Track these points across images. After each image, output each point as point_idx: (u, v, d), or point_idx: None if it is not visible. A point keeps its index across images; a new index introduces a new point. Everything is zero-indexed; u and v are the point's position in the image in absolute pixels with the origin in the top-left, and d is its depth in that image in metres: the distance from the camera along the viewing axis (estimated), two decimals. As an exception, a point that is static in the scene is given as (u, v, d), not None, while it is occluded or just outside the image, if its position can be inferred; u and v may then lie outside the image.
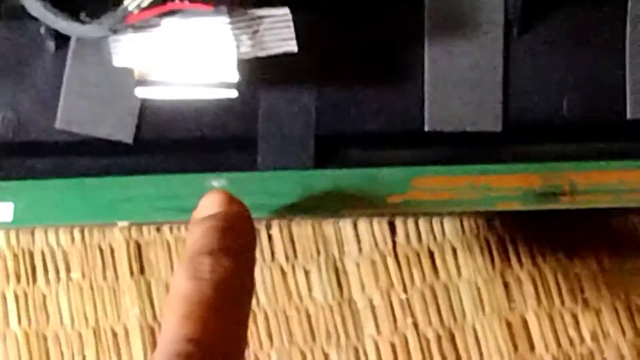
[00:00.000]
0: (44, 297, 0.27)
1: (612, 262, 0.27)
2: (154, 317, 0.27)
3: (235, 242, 0.23)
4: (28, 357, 0.26)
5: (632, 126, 0.27)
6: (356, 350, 0.27)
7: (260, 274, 0.28)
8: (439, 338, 0.26)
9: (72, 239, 0.28)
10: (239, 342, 0.23)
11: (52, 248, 0.28)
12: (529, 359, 0.26)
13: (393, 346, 0.26)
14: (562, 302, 0.26)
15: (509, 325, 0.26)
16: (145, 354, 0.27)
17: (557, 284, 0.27)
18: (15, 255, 0.28)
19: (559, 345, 0.26)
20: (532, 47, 0.27)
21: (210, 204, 0.24)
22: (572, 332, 0.26)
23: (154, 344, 0.27)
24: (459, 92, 0.27)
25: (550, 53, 0.28)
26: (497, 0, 0.27)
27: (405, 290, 0.27)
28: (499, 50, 0.27)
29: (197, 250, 0.22)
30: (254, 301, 0.24)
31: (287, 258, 0.28)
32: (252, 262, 0.24)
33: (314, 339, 0.27)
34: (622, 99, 0.27)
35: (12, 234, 0.28)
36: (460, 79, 0.27)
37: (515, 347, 0.26)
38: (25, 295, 0.27)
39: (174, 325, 0.21)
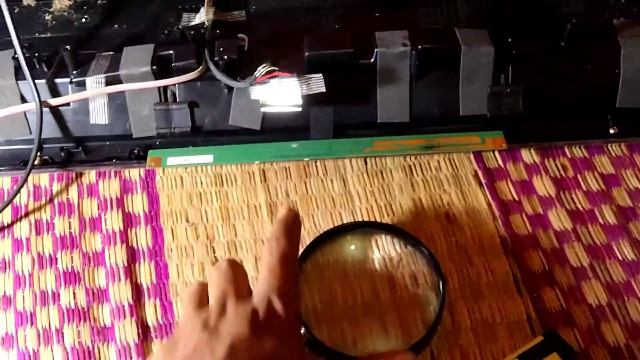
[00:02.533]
0: (226, 192, 0.54)
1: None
2: (270, 200, 0.54)
3: (291, 231, 0.43)
4: (221, 215, 0.53)
5: (464, 119, 0.55)
6: (353, 213, 0.54)
7: (322, 183, 0.55)
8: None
9: (237, 168, 0.55)
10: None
11: (229, 171, 0.55)
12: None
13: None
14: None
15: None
16: (270, 219, 0.53)
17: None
18: (215, 176, 0.55)
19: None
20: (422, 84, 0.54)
21: (283, 210, 0.45)
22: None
23: (272, 213, 0.53)
24: (392, 105, 0.56)
25: (427, 87, 0.54)
26: (406, 65, 0.57)
27: (371, 186, 0.55)
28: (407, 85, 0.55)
29: (274, 234, 0.43)
30: (320, 188, 0.53)
31: (324, 174, 0.55)
32: (298, 238, 0.44)
33: (334, 206, 0.53)
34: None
35: (215, 167, 0.55)
36: (394, 100, 0.55)
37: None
38: (218, 192, 0.55)
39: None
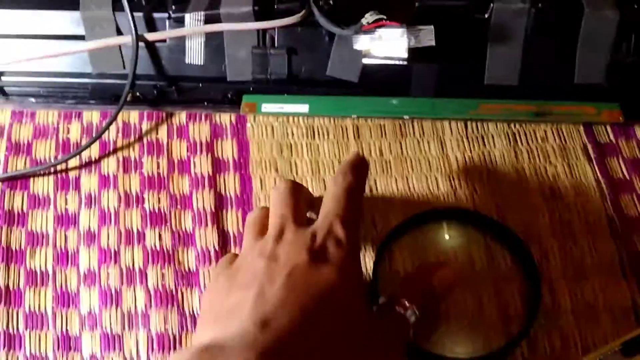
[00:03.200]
0: (317, 146, 0.52)
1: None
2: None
3: (358, 168, 0.42)
4: (311, 169, 0.51)
5: (577, 87, 0.51)
6: (450, 179, 0.53)
7: (418, 144, 0.52)
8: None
9: (330, 121, 0.53)
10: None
11: (322, 124, 0.53)
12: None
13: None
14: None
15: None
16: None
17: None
18: (307, 128, 0.53)
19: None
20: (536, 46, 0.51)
21: (351, 154, 0.43)
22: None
23: None
24: (502, 66, 0.53)
25: (541, 50, 0.51)
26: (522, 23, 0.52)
27: (470, 152, 0.53)
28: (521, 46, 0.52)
29: (340, 169, 0.42)
30: (416, 149, 0.50)
31: (421, 134, 0.52)
32: (365, 176, 0.43)
33: (429, 169, 0.51)
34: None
35: (307, 118, 0.53)
36: (504, 61, 0.51)
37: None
38: (309, 145, 0.52)
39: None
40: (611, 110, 0.50)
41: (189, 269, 0.48)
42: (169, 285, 0.47)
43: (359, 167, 0.43)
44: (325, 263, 0.37)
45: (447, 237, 0.48)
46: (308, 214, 0.44)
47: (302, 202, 0.42)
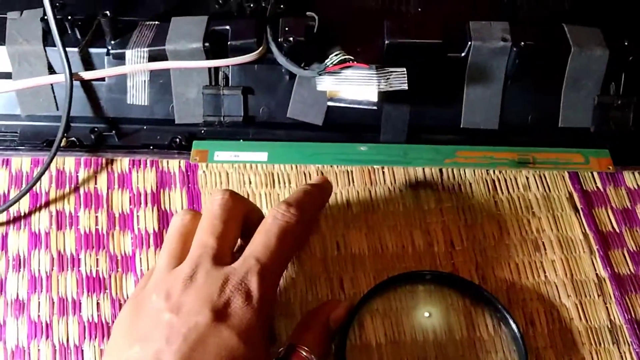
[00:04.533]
0: (278, 195, 0.46)
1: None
2: (329, 209, 0.46)
3: (311, 201, 0.40)
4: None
5: (562, 131, 0.46)
6: (427, 233, 0.48)
7: (390, 193, 0.47)
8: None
9: (291, 167, 0.47)
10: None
11: (282, 170, 0.47)
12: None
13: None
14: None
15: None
16: (326, 230, 0.46)
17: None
18: (266, 175, 0.47)
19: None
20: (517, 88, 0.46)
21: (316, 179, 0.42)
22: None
23: (327, 225, 0.47)
24: (480, 109, 0.47)
25: (523, 91, 0.46)
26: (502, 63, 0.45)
27: (447, 202, 0.48)
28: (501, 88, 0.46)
29: (293, 196, 0.39)
30: (387, 200, 0.46)
31: (392, 182, 0.47)
32: (317, 209, 0.41)
33: (402, 223, 0.46)
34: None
35: (264, 166, 0.48)
36: (483, 103, 0.46)
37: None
38: (269, 194, 0.46)
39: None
40: (600, 158, 0.46)
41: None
42: (108, 365, 0.41)
43: (312, 195, 0.40)
44: (226, 323, 0.34)
45: (423, 302, 0.43)
46: (239, 242, 0.40)
47: (234, 227, 0.38)
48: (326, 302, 0.42)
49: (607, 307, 0.43)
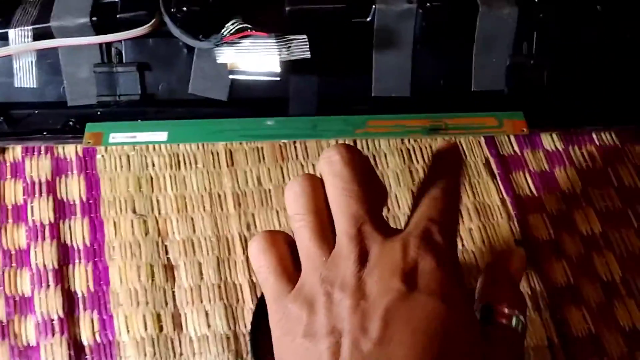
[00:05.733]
0: (183, 177, 0.44)
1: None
2: (238, 188, 0.44)
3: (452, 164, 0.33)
4: (176, 206, 0.43)
5: (476, 95, 0.44)
6: None
7: (302, 169, 0.45)
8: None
9: (198, 147, 0.45)
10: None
11: (188, 151, 0.45)
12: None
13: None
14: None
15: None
16: (237, 211, 0.43)
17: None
18: (170, 156, 0.45)
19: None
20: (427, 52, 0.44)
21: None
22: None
23: (239, 205, 0.44)
24: (390, 76, 0.44)
25: (433, 55, 0.44)
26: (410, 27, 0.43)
27: None
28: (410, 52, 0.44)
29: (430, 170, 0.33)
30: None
31: (304, 157, 0.45)
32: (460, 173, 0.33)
33: None
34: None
35: (167, 146, 0.46)
36: (393, 70, 0.44)
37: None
38: (174, 177, 0.44)
39: None
40: (514, 120, 0.44)
41: (27, 343, 0.39)
42: (1, 367, 0.38)
43: (453, 162, 0.33)
44: (423, 289, 0.28)
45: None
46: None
47: (374, 184, 0.31)
48: (502, 253, 0.37)
49: (527, 274, 0.42)
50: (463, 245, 0.43)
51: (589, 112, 0.46)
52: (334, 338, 0.27)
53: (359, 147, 0.46)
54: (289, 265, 0.30)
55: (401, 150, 0.46)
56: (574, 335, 0.40)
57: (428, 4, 0.42)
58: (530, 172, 0.46)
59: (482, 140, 0.47)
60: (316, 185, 0.30)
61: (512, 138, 0.47)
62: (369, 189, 0.30)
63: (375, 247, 0.29)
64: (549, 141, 0.47)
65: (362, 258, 0.28)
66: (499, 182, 0.45)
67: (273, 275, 0.30)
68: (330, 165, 0.30)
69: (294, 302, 0.29)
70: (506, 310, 0.31)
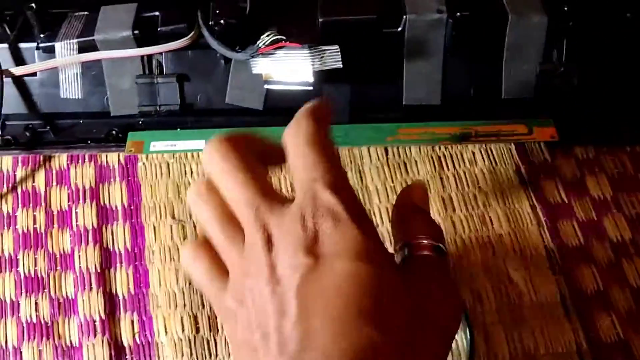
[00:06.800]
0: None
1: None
2: None
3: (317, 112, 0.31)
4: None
5: (506, 102, 0.45)
6: (371, 212, 0.45)
7: None
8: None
9: None
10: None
11: None
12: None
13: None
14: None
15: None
16: None
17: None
18: None
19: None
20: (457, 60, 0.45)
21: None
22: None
23: None
24: (421, 84, 0.45)
25: (464, 64, 0.45)
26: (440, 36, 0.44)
27: (392, 181, 0.46)
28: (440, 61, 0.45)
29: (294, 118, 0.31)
30: None
31: None
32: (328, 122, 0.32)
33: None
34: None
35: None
36: (423, 79, 0.45)
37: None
38: None
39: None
40: (543, 127, 0.45)
41: (70, 342, 0.41)
42: (47, 365, 0.40)
43: (317, 112, 0.32)
44: (330, 255, 0.28)
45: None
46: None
47: (256, 165, 0.30)
48: (402, 190, 0.35)
49: (556, 279, 0.42)
50: (494, 251, 0.43)
51: (618, 119, 0.46)
52: (264, 329, 0.27)
53: (390, 154, 0.47)
54: (219, 266, 0.30)
55: (432, 157, 0.47)
56: (603, 341, 0.40)
57: (458, 14, 0.43)
58: (560, 179, 0.46)
59: (513, 147, 0.47)
60: (209, 187, 0.30)
61: (544, 146, 0.47)
62: (251, 168, 0.30)
63: (275, 228, 0.28)
64: (581, 149, 0.47)
65: (268, 242, 0.28)
66: (530, 189, 0.46)
67: (205, 280, 0.31)
68: (210, 166, 0.30)
69: (229, 300, 0.29)
70: (423, 242, 0.31)
